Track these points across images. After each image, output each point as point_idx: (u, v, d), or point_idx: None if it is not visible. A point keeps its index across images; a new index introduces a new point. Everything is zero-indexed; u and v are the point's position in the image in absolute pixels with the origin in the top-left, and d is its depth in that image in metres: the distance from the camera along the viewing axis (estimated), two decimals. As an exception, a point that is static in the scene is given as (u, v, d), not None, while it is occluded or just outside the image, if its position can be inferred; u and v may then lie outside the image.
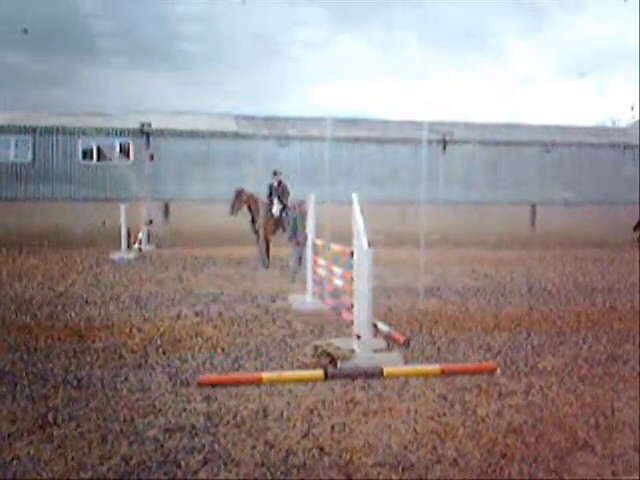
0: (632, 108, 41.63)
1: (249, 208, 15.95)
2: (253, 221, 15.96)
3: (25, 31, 28.75)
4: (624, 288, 12.19)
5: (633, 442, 4.41)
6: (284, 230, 15.07)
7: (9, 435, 4.41)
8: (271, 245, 15.80)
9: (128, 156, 27.51)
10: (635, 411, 5.06)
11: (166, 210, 26.37)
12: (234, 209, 15.89)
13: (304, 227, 12.38)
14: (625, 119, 44.54)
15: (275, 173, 16.18)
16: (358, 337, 6.49)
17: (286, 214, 15.12)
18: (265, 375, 5.80)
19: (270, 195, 15.94)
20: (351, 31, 67.94)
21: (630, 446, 4.34)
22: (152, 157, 26.86)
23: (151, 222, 21.99)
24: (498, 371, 6.18)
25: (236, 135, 28.30)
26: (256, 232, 15.96)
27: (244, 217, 16.18)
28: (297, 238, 12.87)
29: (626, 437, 4.51)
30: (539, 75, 69.40)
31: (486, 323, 8.57)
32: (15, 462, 4.01)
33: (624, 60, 69.78)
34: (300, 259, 12.58)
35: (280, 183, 15.87)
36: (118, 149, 27.52)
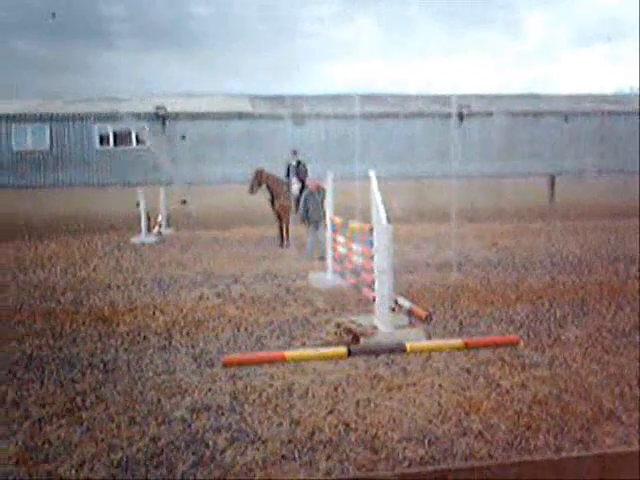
0: None
1: (268, 188, 15.97)
2: (272, 201, 15.97)
3: (53, 15, 28.70)
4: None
5: (659, 410, 4.40)
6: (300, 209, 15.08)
7: (39, 420, 4.49)
8: (290, 224, 15.82)
9: (144, 140, 27.58)
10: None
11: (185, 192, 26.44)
12: (254, 189, 15.91)
13: (319, 205, 12.39)
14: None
15: (294, 152, 16.16)
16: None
17: (303, 193, 15.13)
18: (288, 353, 5.84)
19: (289, 175, 15.94)
20: (365, 7, 67.32)
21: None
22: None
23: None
24: (521, 343, 6.18)
25: (251, 115, 28.25)
26: (276, 212, 15.99)
27: (262, 197, 16.20)
28: (310, 217, 12.87)
29: (652, 406, 4.49)
30: (554, 45, 68.46)
31: (508, 296, 8.54)
32: (46, 445, 4.08)
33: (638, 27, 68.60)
34: (317, 237, 12.60)
35: (299, 163, 15.86)
36: (135, 134, 27.59)
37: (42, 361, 5.96)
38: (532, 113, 30.38)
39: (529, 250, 13.72)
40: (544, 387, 4.92)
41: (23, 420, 4.49)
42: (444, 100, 29.63)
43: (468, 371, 5.38)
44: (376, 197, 6.57)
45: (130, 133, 27.66)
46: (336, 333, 6.49)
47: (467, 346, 6.03)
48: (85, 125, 27.33)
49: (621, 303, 7.96)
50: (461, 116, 28.61)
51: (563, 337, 6.44)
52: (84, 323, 7.47)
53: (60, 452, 3.98)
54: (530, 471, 2.04)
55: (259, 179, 15.86)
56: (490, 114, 28.96)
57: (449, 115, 28.14)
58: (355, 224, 8.30)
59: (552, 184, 28.78)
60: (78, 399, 4.87)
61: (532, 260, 12.04)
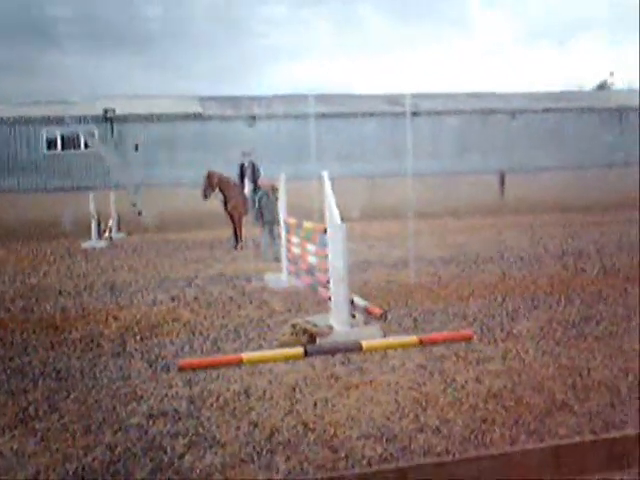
0: (611, 74, 42.09)
1: (220, 190, 15.86)
2: (225, 203, 15.88)
3: None
4: (594, 250, 12.37)
5: (609, 400, 4.51)
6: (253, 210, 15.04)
7: (-9, 431, 4.39)
8: (243, 226, 15.75)
9: (93, 144, 27.16)
10: (610, 370, 5.16)
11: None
12: (207, 193, 15.74)
13: (272, 206, 12.37)
14: (589, 84, 44.94)
15: (245, 153, 16.10)
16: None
17: (254, 194, 15.08)
18: (245, 355, 5.82)
19: (241, 176, 15.86)
20: (313, 7, 67.43)
21: (607, 404, 4.44)
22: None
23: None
24: (475, 338, 6.26)
25: (202, 117, 28.07)
26: (228, 213, 15.90)
27: (215, 199, 16.09)
28: (264, 218, 12.86)
29: (602, 395, 4.60)
30: (504, 43, 69.58)
31: (460, 291, 8.65)
32: (-1, 457, 3.99)
33: (586, 24, 70.18)
34: (272, 238, 12.58)
35: (251, 163, 15.80)
36: (83, 137, 27.16)
37: (-8, 371, 5.82)
38: (480, 111, 30.83)
39: (480, 246, 13.92)
40: (498, 381, 4.99)
41: (-26, 432, 4.38)
42: (395, 99, 29.87)
43: (423, 367, 5.44)
44: (329, 197, 6.59)
45: (78, 136, 27.24)
46: (292, 334, 6.49)
47: (422, 343, 6.09)
48: (32, 129, 26.80)
49: (570, 296, 8.13)
50: (412, 115, 28.87)
51: (515, 330, 6.55)
52: (35, 331, 7.33)
53: (13, 464, 3.89)
54: (488, 465, 2.07)
55: (211, 182, 15.74)
56: (440, 113, 29.29)
57: (400, 114, 28.38)
58: (309, 224, 8.31)
59: (502, 181, 29.28)
60: (31, 409, 4.77)
61: (483, 256, 12.23)
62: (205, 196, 15.71)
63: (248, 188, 15.58)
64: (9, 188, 26.01)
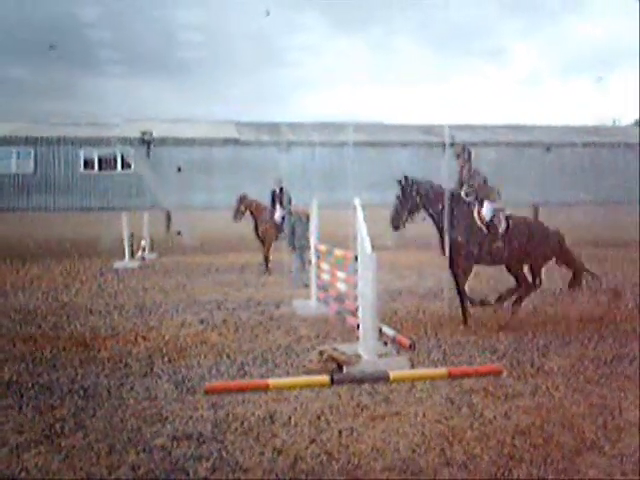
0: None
1: (252, 214, 16.02)
2: (256, 227, 16.01)
3: (52, 47, 28.48)
4: (628, 287, 12.16)
5: (642, 442, 4.40)
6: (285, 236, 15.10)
7: (17, 446, 4.41)
8: (271, 251, 15.81)
9: (130, 165, 27.55)
10: (643, 410, 5.05)
11: (168, 218, 26.38)
12: (237, 216, 16.00)
13: (304, 232, 12.39)
14: (625, 118, 44.55)
15: (278, 180, 16.24)
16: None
17: (287, 220, 15.15)
18: (271, 381, 5.80)
19: (273, 202, 15.99)
20: (349, 35, 68.04)
21: (638, 446, 4.33)
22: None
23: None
24: (504, 373, 6.17)
25: (237, 142, 28.34)
26: (259, 238, 16.01)
27: (246, 224, 16.21)
28: (295, 243, 12.90)
29: (634, 437, 4.49)
30: (539, 75, 69.40)
31: (491, 325, 8.55)
32: (23, 474, 4.00)
33: (624, 59, 69.79)
34: (303, 264, 12.59)
35: (282, 189, 15.92)
36: (120, 158, 27.57)
37: (21, 387, 5.87)
38: (516, 143, 30.70)
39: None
40: (527, 417, 4.91)
41: (0, 446, 4.41)
42: (429, 129, 29.89)
43: (451, 401, 5.36)
44: (361, 225, 6.58)
45: (115, 158, 27.65)
46: (319, 361, 6.46)
47: (450, 375, 6.02)
48: (70, 149, 27.28)
49: (603, 333, 7.99)
50: (445, 146, 28.82)
51: (546, 366, 6.44)
52: (65, 348, 7.39)
53: (37, 480, 3.91)
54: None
55: (243, 205, 15.92)
56: (475, 144, 29.21)
57: (434, 144, 28.36)
58: (339, 252, 8.30)
59: (536, 214, 29.01)
60: (57, 426, 4.80)
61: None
62: (236, 218, 15.94)
63: (279, 214, 15.67)
64: (45, 207, 26.44)
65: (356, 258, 6.77)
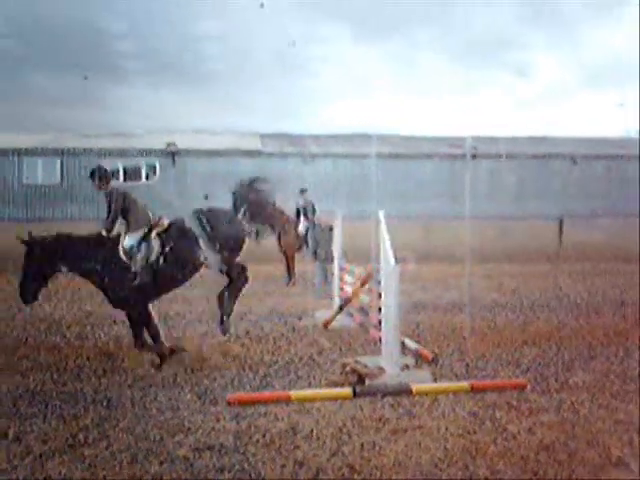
0: None
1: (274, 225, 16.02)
2: (279, 238, 16.01)
3: (85, 78, 28.74)
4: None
5: (668, 459, 4.33)
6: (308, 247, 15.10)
7: (41, 455, 4.45)
8: (296, 262, 15.80)
9: (154, 176, 27.77)
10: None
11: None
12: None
13: (328, 243, 12.39)
14: (652, 130, 44.02)
15: (302, 191, 16.27)
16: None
17: (311, 231, 15.14)
18: (294, 393, 5.80)
19: (298, 213, 16.00)
20: (371, 47, 68.13)
21: (665, 463, 4.27)
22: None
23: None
24: (528, 387, 6.12)
25: (261, 153, 28.46)
26: (282, 249, 16.01)
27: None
28: (319, 255, 12.89)
29: (661, 454, 4.43)
30: (563, 87, 68.97)
31: (515, 338, 8.48)
32: (47, 482, 4.04)
33: (650, 71, 69.08)
34: (326, 276, 12.58)
35: (307, 201, 15.94)
36: (144, 170, 27.79)
37: (45, 396, 5.93)
38: (540, 155, 30.50)
39: (537, 292, 13.66)
40: (551, 432, 4.86)
41: (25, 455, 4.45)
42: (453, 141, 29.80)
43: (475, 415, 5.32)
44: (384, 237, 6.58)
45: (140, 168, 27.87)
46: (342, 373, 6.45)
47: (474, 389, 5.97)
48: (96, 160, 27.55)
49: (629, 348, 7.89)
50: (472, 157, 28.71)
51: (571, 381, 6.38)
52: (89, 358, 7.44)
53: (61, 489, 3.93)
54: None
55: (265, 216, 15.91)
56: (499, 156, 29.08)
57: (457, 156, 28.25)
58: (362, 264, 8.30)
59: (560, 226, 28.76)
60: (80, 435, 4.83)
61: (539, 303, 11.98)
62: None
63: (303, 225, 15.68)
64: (70, 216, 26.70)
65: (379, 270, 6.76)
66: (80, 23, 50.74)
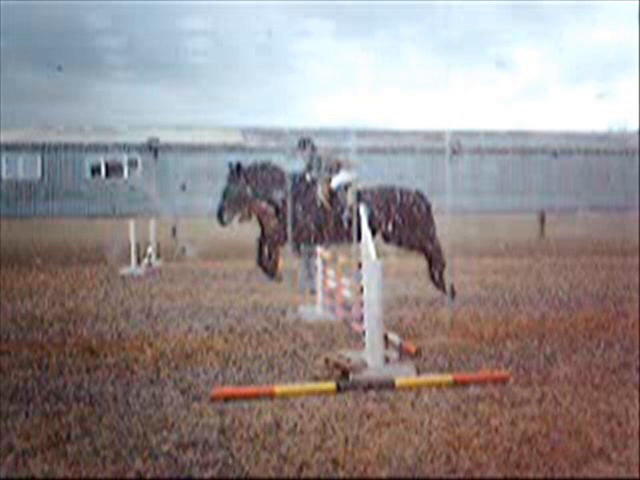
0: None
1: (258, 218, 15.96)
2: (263, 232, 15.96)
3: (59, 68, 28.56)
4: (636, 295, 12.11)
5: (649, 450, 4.38)
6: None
7: (23, 452, 4.42)
8: (279, 257, 15.78)
9: (136, 172, 27.61)
10: (650, 418, 5.03)
11: (174, 225, 26.40)
12: (243, 219, 15.93)
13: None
14: (633, 125, 44.41)
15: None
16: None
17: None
18: (277, 388, 5.80)
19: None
20: (354, 41, 68.07)
21: (646, 454, 4.31)
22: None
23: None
24: (511, 380, 6.16)
25: (243, 148, 28.39)
26: (265, 244, 15.96)
27: (252, 230, 16.18)
28: (301, 250, 12.87)
29: (642, 445, 4.47)
30: (544, 82, 69.30)
31: (497, 332, 8.53)
32: (30, 480, 4.01)
33: (631, 65, 69.66)
34: (309, 270, 12.58)
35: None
36: (126, 165, 27.64)
37: (27, 393, 5.88)
38: (522, 150, 30.68)
39: (519, 286, 13.75)
40: (534, 425, 4.89)
41: (6, 453, 4.41)
42: (434, 135, 29.88)
43: (458, 408, 5.35)
44: (365, 231, 6.58)
45: (122, 164, 27.73)
46: (325, 368, 6.45)
47: (457, 382, 6.00)
48: (77, 155, 27.37)
49: (611, 340, 7.96)
50: (452, 152, 28.82)
51: (553, 374, 6.42)
52: (71, 354, 7.40)
53: (43, 487, 3.91)
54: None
55: (248, 210, 15.87)
56: (481, 150, 29.20)
57: (439, 151, 28.36)
58: (344, 258, 8.31)
59: (542, 220, 28.97)
60: (63, 432, 4.81)
61: (522, 296, 12.06)
62: (241, 221, 15.90)
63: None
64: (52, 213, 26.53)
65: (360, 265, 6.77)
66: (62, 18, 50.29)
